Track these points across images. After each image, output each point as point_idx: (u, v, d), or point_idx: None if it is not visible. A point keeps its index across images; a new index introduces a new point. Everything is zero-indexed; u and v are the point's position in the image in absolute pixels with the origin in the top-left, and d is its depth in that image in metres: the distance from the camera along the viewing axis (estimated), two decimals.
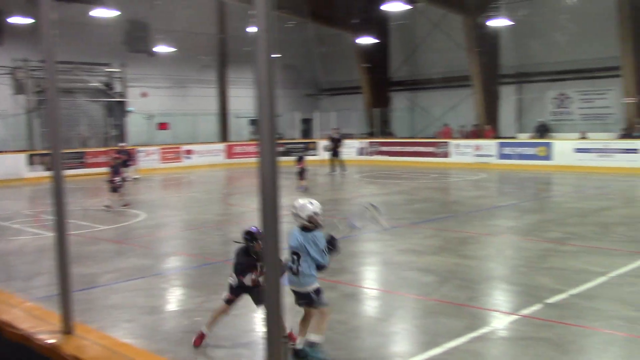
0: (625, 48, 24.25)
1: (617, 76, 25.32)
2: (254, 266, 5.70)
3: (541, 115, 29.15)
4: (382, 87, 34.99)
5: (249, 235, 5.79)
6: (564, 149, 24.69)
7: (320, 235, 5.38)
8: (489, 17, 26.05)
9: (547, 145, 25.39)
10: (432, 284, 7.97)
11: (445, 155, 28.10)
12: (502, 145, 26.73)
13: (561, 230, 11.58)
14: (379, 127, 33.98)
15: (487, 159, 26.51)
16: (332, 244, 5.44)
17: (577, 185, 19.99)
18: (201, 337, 5.86)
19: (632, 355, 5.66)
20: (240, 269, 5.79)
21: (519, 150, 26.10)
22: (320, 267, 5.35)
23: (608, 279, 7.95)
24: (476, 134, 28.91)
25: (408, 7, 26.63)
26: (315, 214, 5.38)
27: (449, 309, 6.91)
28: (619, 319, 6.44)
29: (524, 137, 27.87)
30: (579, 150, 24.13)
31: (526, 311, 6.75)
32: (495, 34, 28.07)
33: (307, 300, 5.40)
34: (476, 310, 6.89)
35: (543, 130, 27.50)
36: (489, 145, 26.96)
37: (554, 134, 27.24)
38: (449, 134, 29.92)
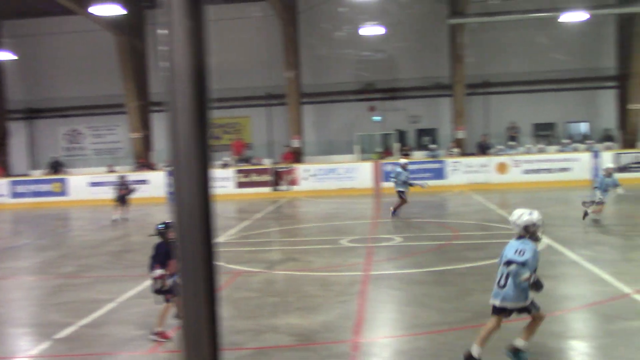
0: (128, 87, 26.09)
1: (124, 113, 27.00)
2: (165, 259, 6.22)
3: (54, 151, 28.88)
4: None
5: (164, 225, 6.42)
6: (79, 183, 25.01)
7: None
8: None
9: (62, 180, 25.31)
10: None
11: None
12: (15, 183, 25.45)
13: (75, 264, 11.71)
14: None
15: None
16: None
17: (92, 218, 20.44)
18: None
19: None
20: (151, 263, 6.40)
21: (33, 187, 25.28)
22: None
23: (117, 304, 8.40)
24: None
25: None
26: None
27: None
28: (128, 339, 6.89)
29: (37, 174, 27.10)
30: (94, 184, 24.76)
31: (34, 351, 6.61)
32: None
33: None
34: None
35: (56, 166, 27.25)
36: (0, 184, 25.30)
37: (68, 169, 27.28)
38: None
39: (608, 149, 24.75)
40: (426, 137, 28.07)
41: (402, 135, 28.18)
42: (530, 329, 5.50)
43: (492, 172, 24.09)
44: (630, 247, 11.46)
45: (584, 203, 13.37)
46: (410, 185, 16.01)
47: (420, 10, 26.68)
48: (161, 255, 6.47)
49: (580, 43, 26.71)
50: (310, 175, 25.08)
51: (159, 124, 27.02)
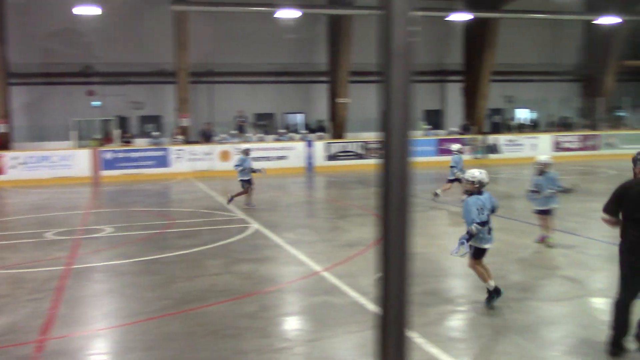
0: None
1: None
2: None
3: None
4: None
5: None
6: None
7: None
8: None
9: None
10: None
11: None
12: None
13: None
14: None
15: None
16: None
17: None
18: None
19: None
20: None
21: None
22: None
23: None
24: None
25: None
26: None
27: None
28: None
29: None
30: None
31: None
32: None
33: None
34: None
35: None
36: None
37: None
38: None
39: (320, 139, 26.93)
40: (149, 124, 27.46)
41: (123, 122, 27.13)
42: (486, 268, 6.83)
43: (215, 159, 24.51)
44: (327, 228, 12.57)
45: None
46: (254, 172, 15.09)
47: None
48: None
49: (297, 39, 28.51)
50: (20, 164, 22.80)
51: None
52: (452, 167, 14.75)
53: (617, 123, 31.74)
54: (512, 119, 32.52)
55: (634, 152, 5.64)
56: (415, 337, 5.74)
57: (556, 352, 5.53)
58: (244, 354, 5.59)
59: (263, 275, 8.42)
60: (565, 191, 9.80)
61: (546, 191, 9.55)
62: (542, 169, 9.71)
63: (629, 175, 5.59)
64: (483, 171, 6.91)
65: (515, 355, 5.39)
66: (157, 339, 6.00)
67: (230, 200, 15.20)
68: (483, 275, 6.75)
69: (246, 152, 15.32)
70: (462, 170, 14.02)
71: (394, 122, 1.04)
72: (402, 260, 1.05)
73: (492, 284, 6.69)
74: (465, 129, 28.89)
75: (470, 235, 6.47)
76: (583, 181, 18.33)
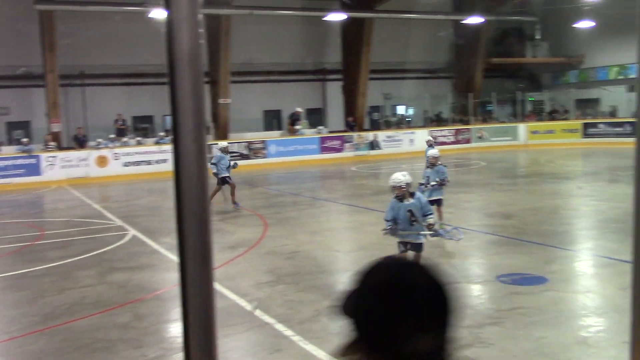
0: None
1: None
2: None
3: None
4: None
5: None
6: None
7: None
8: None
9: None
10: None
11: None
12: None
13: None
14: None
15: None
16: None
17: None
18: None
19: None
20: None
21: None
22: None
23: None
24: None
25: None
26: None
27: None
28: None
29: None
30: None
31: None
32: None
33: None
34: None
35: None
36: None
37: None
38: None
39: None
40: (17, 131, 25.78)
41: None
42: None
43: (92, 165, 23.47)
44: None
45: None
46: (233, 167, 14.46)
47: None
48: None
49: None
50: None
51: None
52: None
53: (486, 117, 33.70)
54: (394, 114, 33.65)
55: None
56: (291, 335, 5.79)
57: None
58: None
59: (138, 283, 8.15)
60: (441, 184, 10.42)
61: (431, 183, 10.16)
62: (433, 162, 10.28)
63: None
64: (405, 173, 6.98)
65: None
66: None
67: (235, 204, 14.59)
68: None
69: (225, 149, 14.80)
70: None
71: (184, 130, 1.02)
72: (204, 272, 1.04)
73: None
74: (349, 127, 29.52)
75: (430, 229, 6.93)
76: (457, 173, 19.27)
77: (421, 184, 10.25)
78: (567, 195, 14.96)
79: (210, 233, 1.10)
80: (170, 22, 1.06)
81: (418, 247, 6.96)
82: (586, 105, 32.16)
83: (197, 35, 1.08)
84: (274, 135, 28.60)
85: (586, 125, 29.78)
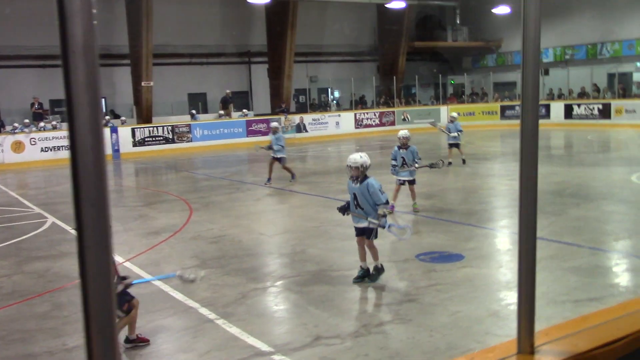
0: None
1: None
2: None
3: None
4: None
5: None
6: None
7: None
8: None
9: None
10: None
11: None
12: None
13: None
14: None
15: None
16: None
17: None
18: None
19: None
20: None
21: None
22: None
23: None
24: None
25: None
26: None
27: None
28: None
29: None
30: None
31: None
32: None
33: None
34: None
35: None
36: None
37: None
38: None
39: (123, 123, 25.85)
40: None
41: None
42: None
43: (7, 151, 22.49)
44: (133, 217, 12.13)
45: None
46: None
47: None
48: None
49: (94, 19, 26.80)
50: None
51: None
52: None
53: (409, 100, 34.39)
54: (322, 98, 33.79)
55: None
56: (215, 318, 5.82)
57: (347, 319, 5.94)
58: (34, 357, 5.25)
59: (58, 272, 7.94)
60: (431, 166, 11.12)
61: (415, 164, 10.55)
62: (405, 143, 10.55)
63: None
64: (363, 154, 6.85)
65: (311, 324, 5.68)
66: None
67: (293, 176, 14.72)
68: (363, 254, 6.95)
69: (275, 130, 14.86)
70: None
71: (80, 122, 1.04)
72: (102, 259, 1.08)
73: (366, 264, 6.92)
74: (283, 112, 29.40)
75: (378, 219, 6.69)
76: (382, 155, 19.60)
77: (394, 165, 10.57)
78: (485, 175, 15.55)
79: (109, 224, 1.12)
80: (62, 14, 1.07)
81: (357, 231, 6.90)
82: (504, 88, 33.34)
83: (92, 26, 1.11)
84: (209, 118, 28.22)
85: (504, 108, 30.93)
